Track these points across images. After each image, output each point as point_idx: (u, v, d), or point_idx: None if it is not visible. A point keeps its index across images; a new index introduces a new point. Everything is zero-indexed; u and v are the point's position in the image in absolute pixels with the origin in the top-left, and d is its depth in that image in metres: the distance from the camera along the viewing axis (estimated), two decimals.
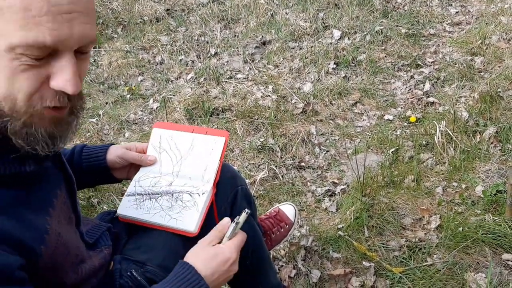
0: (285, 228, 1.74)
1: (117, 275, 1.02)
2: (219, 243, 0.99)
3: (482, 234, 1.77)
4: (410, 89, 2.72)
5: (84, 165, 1.15)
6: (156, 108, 2.81)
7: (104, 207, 2.09)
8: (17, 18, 0.62)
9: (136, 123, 2.73)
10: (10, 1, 0.61)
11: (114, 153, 1.17)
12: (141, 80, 3.15)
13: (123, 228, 1.17)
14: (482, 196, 1.95)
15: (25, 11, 0.61)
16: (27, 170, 0.76)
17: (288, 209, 1.79)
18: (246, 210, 0.99)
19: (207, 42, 3.39)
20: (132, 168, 1.23)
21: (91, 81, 3.19)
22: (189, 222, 1.10)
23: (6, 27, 0.62)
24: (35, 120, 0.70)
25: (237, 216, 0.99)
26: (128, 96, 2.97)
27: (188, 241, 1.08)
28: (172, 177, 1.18)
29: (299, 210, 1.86)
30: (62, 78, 0.68)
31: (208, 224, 1.11)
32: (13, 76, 0.65)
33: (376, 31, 3.18)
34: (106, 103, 2.94)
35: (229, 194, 1.26)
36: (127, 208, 1.15)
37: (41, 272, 0.76)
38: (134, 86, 3.05)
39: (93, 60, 3.45)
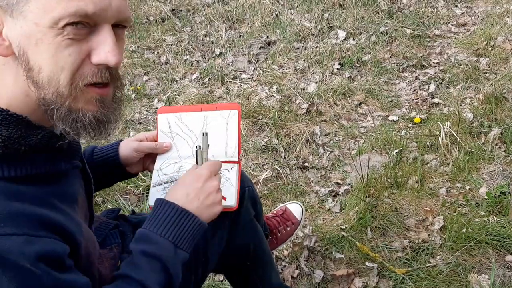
0: (291, 227, 1.74)
1: None
2: None
3: (486, 235, 1.77)
4: (414, 90, 2.71)
5: (97, 165, 1.15)
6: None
7: (109, 206, 2.10)
8: None
9: (140, 123, 2.74)
10: None
11: (128, 148, 1.16)
12: (146, 80, 3.16)
13: (128, 226, 1.17)
14: (486, 197, 1.95)
15: None
16: (63, 168, 0.78)
17: (295, 208, 1.79)
18: (203, 132, 1.01)
19: (212, 42, 3.40)
20: (146, 159, 1.20)
21: None
22: (229, 198, 1.09)
23: (49, 2, 0.64)
24: (81, 105, 0.72)
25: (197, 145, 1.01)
26: (133, 95, 2.99)
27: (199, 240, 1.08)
28: (193, 159, 1.13)
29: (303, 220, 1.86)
30: (104, 50, 0.70)
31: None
32: (57, 53, 0.67)
33: (381, 32, 3.17)
34: None
35: None
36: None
37: (80, 262, 0.78)
38: (139, 86, 3.06)
39: None
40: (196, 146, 1.00)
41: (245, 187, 1.29)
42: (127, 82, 3.17)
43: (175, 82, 3.07)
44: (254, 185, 1.42)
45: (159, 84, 3.09)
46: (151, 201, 1.10)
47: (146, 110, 2.83)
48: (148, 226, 0.89)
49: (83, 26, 0.67)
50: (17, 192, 0.69)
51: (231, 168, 1.13)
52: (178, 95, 2.87)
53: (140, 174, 2.22)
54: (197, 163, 1.00)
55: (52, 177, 0.76)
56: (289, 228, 1.73)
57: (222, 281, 1.74)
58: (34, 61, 0.68)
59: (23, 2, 0.65)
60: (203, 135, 1.01)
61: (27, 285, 0.65)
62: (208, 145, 1.01)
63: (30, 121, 0.71)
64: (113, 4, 0.69)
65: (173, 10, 3.89)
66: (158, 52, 3.43)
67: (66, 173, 0.81)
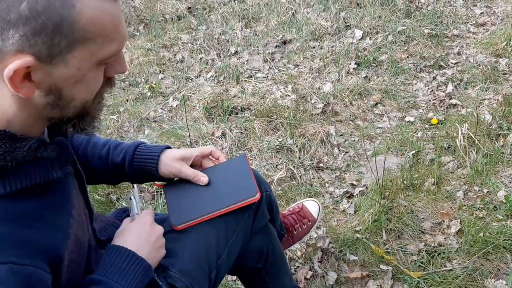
0: (308, 225, 1.72)
1: None
2: None
3: (504, 240, 1.74)
4: (432, 90, 2.68)
5: (133, 168, 1.14)
6: (176, 106, 2.83)
7: (123, 204, 2.11)
8: (102, 38, 0.68)
9: (156, 121, 2.75)
10: (93, 29, 0.67)
11: (167, 169, 1.14)
12: (162, 78, 3.17)
13: None
14: (504, 201, 1.91)
15: (109, 27, 0.68)
16: (55, 176, 0.78)
17: (312, 206, 1.77)
18: (134, 186, 1.09)
19: (228, 41, 3.39)
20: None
21: None
22: (249, 188, 1.09)
23: (93, 49, 0.68)
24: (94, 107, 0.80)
25: (131, 196, 1.08)
26: (149, 93, 3.00)
27: (209, 244, 1.08)
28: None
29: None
30: (120, 64, 0.77)
31: None
32: (90, 85, 0.73)
33: (399, 31, 3.14)
34: (127, 100, 2.97)
35: None
36: (179, 215, 1.11)
37: (61, 277, 0.78)
38: (155, 84, 3.07)
39: None
40: (130, 198, 1.06)
41: (263, 191, 1.28)
42: (143, 80, 3.18)
43: (190, 81, 3.07)
44: (271, 190, 1.41)
45: (174, 82, 3.09)
46: (174, 220, 1.10)
47: (161, 108, 2.84)
48: (107, 274, 0.89)
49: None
50: (4, 213, 0.69)
51: (240, 160, 1.14)
52: (193, 94, 2.87)
53: None
54: (135, 212, 1.06)
55: (44, 187, 0.76)
56: (305, 226, 1.71)
57: (235, 281, 1.74)
58: (69, 95, 0.71)
59: (66, 51, 0.66)
60: (132, 187, 1.09)
61: None
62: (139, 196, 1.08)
63: (13, 134, 0.70)
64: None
65: (189, 8, 3.90)
66: (173, 50, 3.44)
67: (59, 179, 0.81)
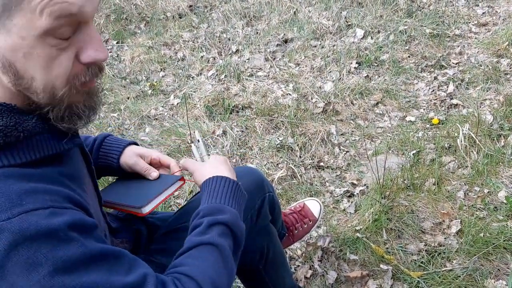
0: (309, 225, 1.72)
1: None
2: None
3: (504, 240, 1.74)
4: (433, 90, 2.67)
5: (98, 161, 1.15)
6: (177, 104, 2.83)
7: None
8: (37, 2, 0.62)
9: (156, 119, 2.74)
10: None
11: (125, 160, 1.16)
12: (163, 76, 3.17)
13: (142, 225, 1.17)
14: (505, 201, 1.91)
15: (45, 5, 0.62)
16: (65, 147, 0.77)
17: (313, 205, 1.77)
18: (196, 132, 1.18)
19: (229, 39, 3.39)
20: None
21: (113, 75, 3.22)
22: (145, 201, 1.08)
23: (33, 14, 0.62)
24: (74, 99, 0.73)
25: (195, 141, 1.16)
26: (149, 91, 3.00)
27: None
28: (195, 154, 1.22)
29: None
30: (93, 48, 0.70)
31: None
32: (48, 64, 0.67)
33: (400, 31, 3.13)
34: (128, 98, 2.97)
35: (256, 201, 1.25)
36: (110, 193, 1.14)
37: None
38: (156, 82, 3.07)
39: (116, 55, 3.49)
40: (198, 140, 1.16)
41: (266, 193, 1.29)
42: (144, 77, 3.18)
43: (191, 79, 3.07)
44: (275, 191, 1.41)
45: (175, 80, 3.09)
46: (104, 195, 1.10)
47: (162, 106, 2.84)
48: (213, 200, 0.96)
49: (69, 28, 0.66)
50: (30, 174, 0.68)
51: (174, 183, 1.14)
52: (194, 92, 2.87)
53: None
54: (203, 154, 1.16)
55: (56, 158, 0.75)
56: (306, 226, 1.71)
57: (235, 278, 1.74)
58: (24, 71, 0.67)
59: (5, 17, 0.62)
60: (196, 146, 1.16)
61: (66, 256, 0.64)
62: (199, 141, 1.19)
63: (19, 108, 0.70)
64: None
65: (190, 6, 3.90)
66: (175, 48, 3.44)
67: (68, 153, 0.80)
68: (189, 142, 2.40)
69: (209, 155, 1.14)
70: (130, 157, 1.15)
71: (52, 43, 0.65)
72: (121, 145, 1.17)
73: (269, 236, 1.33)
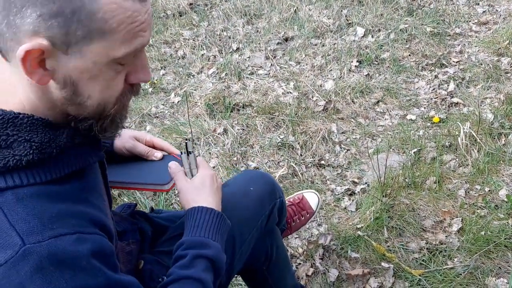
0: (306, 217, 1.72)
1: (147, 277, 1.02)
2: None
3: (505, 238, 1.74)
4: (434, 89, 2.68)
5: None
6: (178, 102, 2.83)
7: (125, 199, 2.11)
8: (120, 34, 0.66)
9: (157, 117, 2.74)
10: (112, 24, 0.65)
11: (122, 143, 1.15)
12: (163, 74, 3.16)
13: (147, 225, 1.17)
14: (505, 200, 1.91)
15: (129, 25, 0.66)
16: (91, 162, 0.79)
17: (311, 197, 1.77)
18: (186, 139, 1.09)
19: (229, 37, 3.39)
20: None
21: None
22: (162, 177, 1.10)
23: (112, 44, 0.66)
24: (117, 112, 0.78)
25: (184, 150, 1.05)
26: (150, 89, 2.99)
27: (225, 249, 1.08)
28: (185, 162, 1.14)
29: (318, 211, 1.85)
30: (144, 71, 0.76)
31: None
32: (109, 86, 0.72)
33: (401, 29, 3.13)
34: None
35: (267, 208, 1.26)
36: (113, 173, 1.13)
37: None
38: (156, 80, 3.07)
39: None
40: (186, 152, 1.06)
41: (277, 198, 1.29)
42: None
43: (191, 77, 3.07)
44: (284, 194, 1.42)
45: (176, 79, 3.09)
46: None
47: (163, 104, 2.84)
48: (198, 233, 0.95)
49: (132, 56, 0.71)
50: (57, 193, 0.70)
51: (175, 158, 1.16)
52: (195, 90, 2.86)
53: None
54: (187, 167, 1.07)
55: (80, 172, 0.77)
56: (303, 218, 1.72)
57: (236, 276, 1.74)
58: (84, 90, 0.70)
59: (83, 43, 0.65)
60: (187, 140, 1.08)
61: (85, 284, 0.66)
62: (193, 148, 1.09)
63: (52, 122, 0.72)
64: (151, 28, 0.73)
65: (190, 4, 3.89)
66: (175, 47, 3.43)
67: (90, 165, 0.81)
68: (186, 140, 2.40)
69: (197, 168, 1.08)
70: (127, 140, 1.16)
71: (116, 68, 0.70)
72: None
73: (274, 238, 1.33)
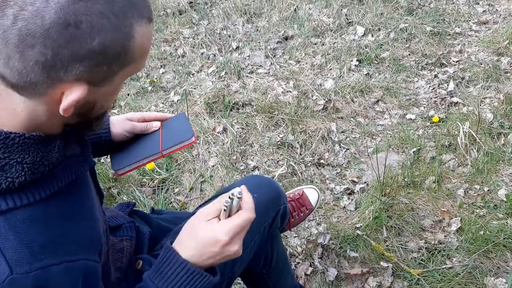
0: (305, 213, 1.72)
1: None
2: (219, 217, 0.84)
3: (504, 238, 1.74)
4: (433, 88, 2.68)
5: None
6: (177, 101, 2.83)
7: (124, 198, 2.11)
8: (142, 59, 0.70)
9: None
10: (142, 52, 0.69)
11: (121, 127, 1.14)
12: (163, 73, 3.16)
13: (146, 225, 1.17)
14: (505, 200, 1.92)
15: (146, 52, 0.71)
16: (82, 171, 0.79)
17: (311, 193, 1.76)
18: (241, 186, 0.86)
19: (229, 36, 3.38)
20: None
21: None
22: (185, 132, 1.09)
23: (136, 65, 0.70)
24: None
25: (234, 191, 0.82)
26: (150, 88, 2.99)
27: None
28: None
29: (317, 208, 1.85)
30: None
31: None
32: (117, 93, 0.76)
33: (401, 29, 3.13)
34: (128, 94, 2.96)
35: (271, 214, 1.25)
36: (120, 161, 1.11)
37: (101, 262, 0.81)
38: (156, 78, 3.07)
39: None
40: (233, 193, 0.82)
41: (281, 205, 1.29)
42: (144, 74, 3.17)
43: (191, 75, 3.07)
44: (287, 200, 1.41)
45: (175, 77, 3.09)
46: (115, 166, 1.10)
47: (162, 103, 2.84)
48: (157, 281, 0.82)
49: None
50: (49, 215, 0.70)
51: (180, 116, 1.16)
52: (195, 89, 2.86)
53: (155, 167, 2.23)
54: (225, 209, 0.83)
55: (71, 183, 0.76)
56: (302, 214, 1.71)
57: None
58: (99, 106, 0.73)
59: (113, 74, 0.67)
60: (230, 199, 0.83)
61: None
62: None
63: (41, 136, 0.69)
64: None
65: (190, 2, 3.89)
66: (175, 45, 3.43)
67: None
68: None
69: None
70: (124, 123, 1.15)
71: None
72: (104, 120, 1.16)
73: (274, 241, 1.33)
